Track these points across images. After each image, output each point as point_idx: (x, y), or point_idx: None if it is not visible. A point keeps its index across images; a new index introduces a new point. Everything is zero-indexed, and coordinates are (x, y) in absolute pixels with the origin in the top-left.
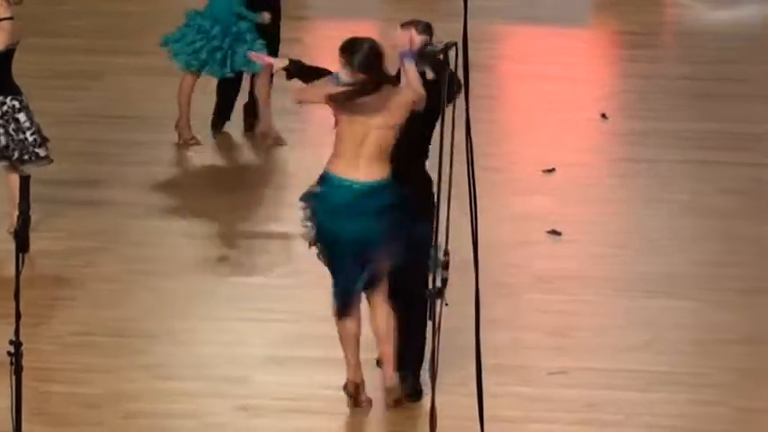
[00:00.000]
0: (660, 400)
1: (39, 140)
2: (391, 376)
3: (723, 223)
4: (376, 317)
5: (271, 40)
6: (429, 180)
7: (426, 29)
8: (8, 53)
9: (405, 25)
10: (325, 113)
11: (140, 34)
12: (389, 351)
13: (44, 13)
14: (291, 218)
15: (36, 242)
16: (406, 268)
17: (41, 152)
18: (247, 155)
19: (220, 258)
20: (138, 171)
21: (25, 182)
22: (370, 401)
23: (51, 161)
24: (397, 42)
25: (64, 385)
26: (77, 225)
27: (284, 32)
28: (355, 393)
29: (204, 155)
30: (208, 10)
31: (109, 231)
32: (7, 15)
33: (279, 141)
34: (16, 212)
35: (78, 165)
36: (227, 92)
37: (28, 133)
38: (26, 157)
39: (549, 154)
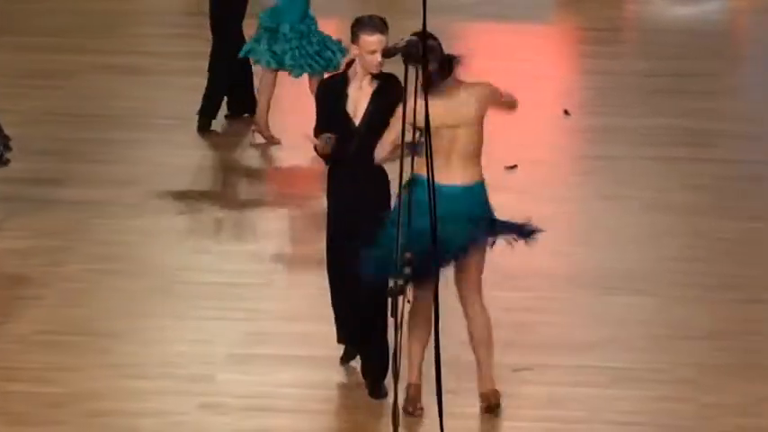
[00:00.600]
0: (624, 396)
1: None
2: (489, 380)
3: (685, 219)
4: (475, 321)
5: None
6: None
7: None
8: None
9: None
10: None
11: (108, 33)
12: (486, 356)
13: (12, 11)
14: (257, 216)
15: (1, 241)
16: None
17: (9, 155)
18: (213, 153)
19: (185, 257)
20: (104, 170)
21: None
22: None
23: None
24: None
25: (28, 384)
26: (43, 224)
27: (248, 31)
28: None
29: (171, 153)
30: (276, 9)
31: (74, 230)
32: None
33: (272, 141)
34: None
35: (45, 163)
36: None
37: None
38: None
39: (512, 151)
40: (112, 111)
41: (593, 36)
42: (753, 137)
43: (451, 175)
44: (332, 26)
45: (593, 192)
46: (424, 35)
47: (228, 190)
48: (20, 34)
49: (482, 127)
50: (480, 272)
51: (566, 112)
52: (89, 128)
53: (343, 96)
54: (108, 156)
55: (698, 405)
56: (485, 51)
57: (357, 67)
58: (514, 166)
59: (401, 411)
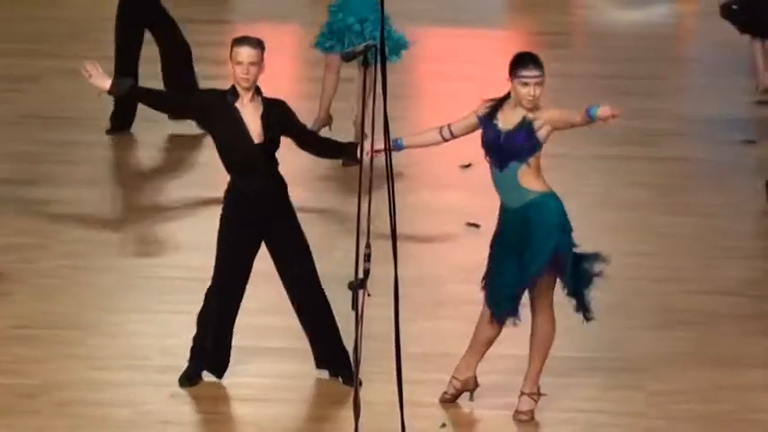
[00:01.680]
0: (578, 384)
1: None
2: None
3: (635, 215)
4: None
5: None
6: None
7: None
8: None
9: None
10: None
11: (71, 39)
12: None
13: None
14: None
15: None
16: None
17: None
18: (177, 152)
19: (151, 254)
20: (72, 170)
21: None
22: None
23: None
24: None
25: (1, 376)
26: (15, 222)
27: (209, 36)
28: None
29: (135, 152)
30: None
31: (44, 228)
32: None
33: None
34: None
35: (15, 164)
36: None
37: None
38: None
39: (466, 150)
40: (78, 113)
41: (545, 40)
42: (697, 136)
43: None
44: (288, 32)
45: None
46: (381, 38)
47: (194, 187)
48: None
49: None
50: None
51: None
52: (56, 130)
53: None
54: (76, 156)
55: (647, 393)
56: (439, 56)
57: None
58: (469, 165)
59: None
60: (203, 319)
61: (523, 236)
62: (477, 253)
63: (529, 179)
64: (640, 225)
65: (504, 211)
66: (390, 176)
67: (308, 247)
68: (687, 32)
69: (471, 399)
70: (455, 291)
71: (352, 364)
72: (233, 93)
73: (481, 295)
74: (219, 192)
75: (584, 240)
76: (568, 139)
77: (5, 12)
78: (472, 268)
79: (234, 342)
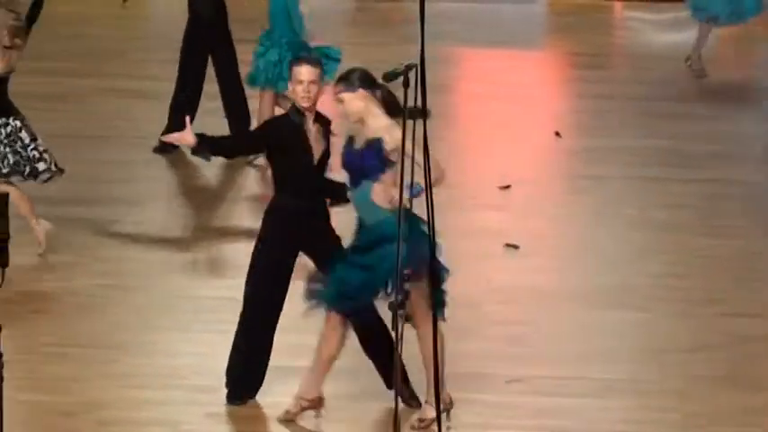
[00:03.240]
0: (615, 406)
1: (38, 156)
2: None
3: (671, 237)
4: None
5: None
6: None
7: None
8: (4, 78)
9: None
10: None
11: (110, 57)
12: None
13: None
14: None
15: (15, 257)
16: None
17: (40, 166)
18: (219, 172)
19: (189, 272)
20: (109, 189)
21: (3, 200)
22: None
23: (58, 172)
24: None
25: (40, 394)
26: (53, 241)
27: (250, 56)
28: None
29: (174, 171)
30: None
31: (82, 247)
32: (7, 44)
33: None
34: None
35: (54, 183)
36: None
37: (29, 149)
38: (31, 170)
39: (506, 171)
40: (115, 132)
41: (583, 61)
42: (737, 158)
43: None
44: None
45: (582, 210)
46: (422, 60)
47: (233, 206)
48: (29, 59)
49: None
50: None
51: (557, 134)
52: (93, 149)
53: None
54: (114, 176)
55: (684, 415)
56: (478, 76)
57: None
58: (508, 186)
59: None
60: (242, 338)
61: (374, 251)
62: (515, 274)
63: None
64: (676, 247)
65: (360, 227)
66: (430, 197)
67: None
68: (726, 55)
69: (318, 415)
70: (493, 311)
71: (394, 384)
72: (297, 113)
73: (513, 316)
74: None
75: (619, 262)
76: (605, 160)
77: (44, 30)
78: (510, 289)
79: (270, 362)
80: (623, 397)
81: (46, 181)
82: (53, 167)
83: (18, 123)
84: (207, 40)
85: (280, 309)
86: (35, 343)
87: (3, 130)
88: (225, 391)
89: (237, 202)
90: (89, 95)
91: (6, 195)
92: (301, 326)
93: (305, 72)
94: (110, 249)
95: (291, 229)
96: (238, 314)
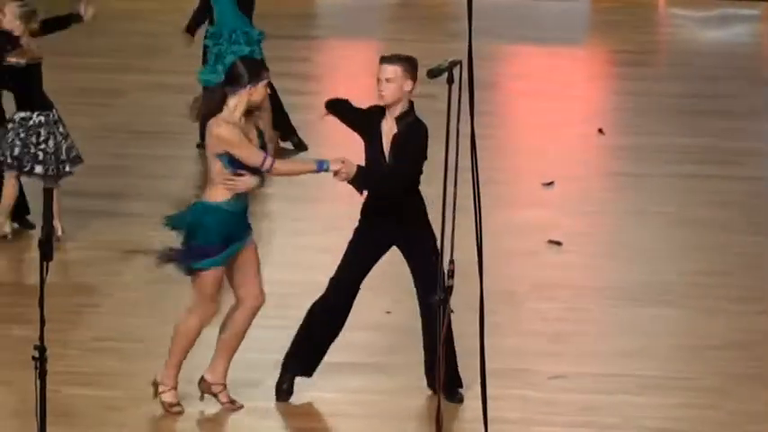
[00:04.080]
0: (655, 403)
1: (41, 157)
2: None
3: (711, 234)
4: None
5: None
6: None
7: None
8: (30, 70)
9: (386, 59)
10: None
11: (155, 53)
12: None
13: (68, 33)
14: (304, 229)
15: (62, 252)
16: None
17: (38, 169)
18: None
19: None
20: (157, 183)
21: (48, 194)
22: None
23: (52, 181)
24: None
25: (87, 388)
26: (101, 235)
27: (293, 51)
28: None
29: None
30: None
31: (130, 241)
32: (20, 33)
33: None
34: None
35: (101, 178)
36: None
37: (38, 148)
38: (61, 167)
39: (549, 168)
40: (162, 127)
41: (626, 58)
42: None
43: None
44: (371, 48)
45: (624, 207)
46: (470, 57)
47: (274, 203)
48: (69, 55)
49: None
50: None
51: (600, 131)
52: (141, 144)
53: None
54: (161, 170)
55: (724, 412)
56: (522, 73)
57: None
58: (551, 183)
59: None
60: (310, 326)
61: None
62: (558, 270)
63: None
64: (717, 244)
65: None
66: (476, 193)
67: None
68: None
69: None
70: (536, 308)
71: (436, 381)
72: (380, 110)
73: (556, 313)
74: (301, 208)
75: (660, 259)
76: (647, 158)
77: (90, 26)
78: (553, 285)
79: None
80: (663, 394)
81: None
82: (49, 175)
83: (42, 119)
84: None
85: (351, 301)
86: (82, 337)
87: (23, 124)
88: (268, 384)
89: (280, 198)
90: (136, 91)
91: (51, 190)
92: (349, 322)
93: (381, 69)
94: (156, 244)
95: (367, 224)
96: (288, 309)
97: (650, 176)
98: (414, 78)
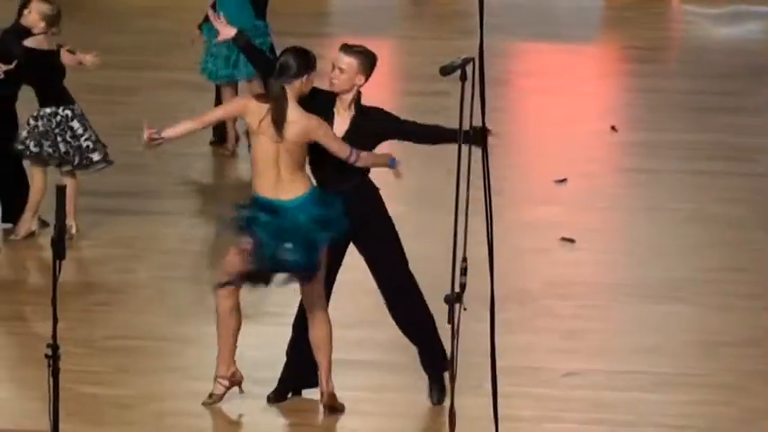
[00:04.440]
0: (669, 400)
1: (92, 146)
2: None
3: (725, 231)
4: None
5: None
6: None
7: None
8: (54, 64)
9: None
10: None
11: (170, 50)
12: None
13: (81, 30)
14: None
15: (74, 250)
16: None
17: (95, 156)
18: None
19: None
20: (171, 181)
21: (61, 192)
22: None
23: (109, 163)
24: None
25: (98, 387)
26: (112, 233)
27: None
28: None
29: (234, 164)
30: None
31: (143, 239)
32: (42, 32)
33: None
34: (69, 221)
35: (114, 176)
36: None
37: (82, 139)
38: (84, 162)
39: (561, 165)
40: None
41: (638, 55)
42: None
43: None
44: (385, 46)
45: (636, 204)
46: (480, 54)
47: None
48: (98, 52)
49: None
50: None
51: (613, 128)
52: None
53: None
54: (174, 168)
55: (739, 409)
56: (534, 70)
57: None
58: (564, 180)
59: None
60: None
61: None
62: (570, 268)
63: None
64: (729, 241)
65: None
66: (488, 190)
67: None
68: None
69: (241, 391)
70: (548, 305)
71: (447, 379)
72: (333, 98)
73: (569, 310)
74: None
75: (673, 256)
76: (660, 154)
77: (107, 23)
78: (565, 283)
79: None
80: (677, 391)
81: (97, 170)
82: (106, 158)
83: (69, 113)
84: None
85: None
86: (95, 335)
87: (53, 120)
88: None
89: None
90: (152, 88)
91: (64, 188)
92: (365, 320)
93: (337, 58)
94: (169, 242)
95: None
96: (296, 307)
97: (662, 173)
98: (367, 75)
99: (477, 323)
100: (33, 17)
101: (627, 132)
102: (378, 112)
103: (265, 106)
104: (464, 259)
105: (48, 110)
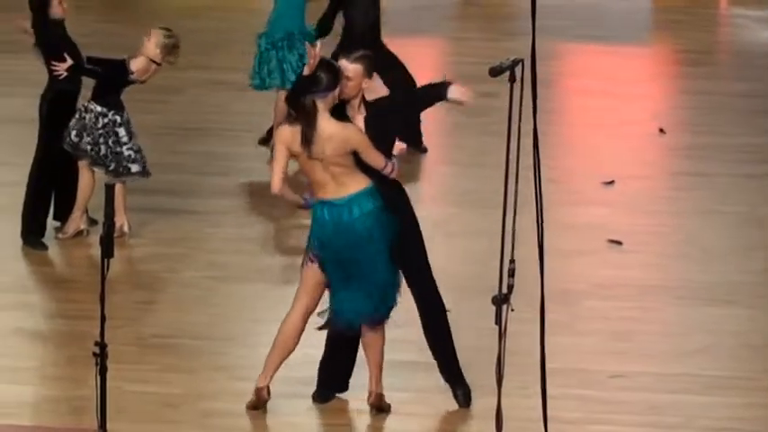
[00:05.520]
0: (718, 403)
1: (132, 156)
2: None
3: None
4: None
5: None
6: None
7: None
8: (132, 82)
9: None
10: None
11: (212, 50)
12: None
13: (126, 31)
14: None
15: (123, 248)
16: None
17: (133, 168)
18: None
19: (293, 264)
20: (215, 181)
21: (110, 190)
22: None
23: (147, 175)
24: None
25: (145, 385)
26: (159, 232)
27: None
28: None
29: None
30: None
31: (189, 239)
32: (158, 61)
33: None
34: (121, 219)
35: (160, 175)
36: None
37: (124, 148)
38: (120, 169)
39: (609, 166)
40: (221, 125)
41: (688, 57)
42: None
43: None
44: (434, 46)
45: (687, 207)
46: (533, 56)
47: None
48: (129, 52)
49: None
50: None
51: (661, 130)
52: (199, 141)
53: None
54: (220, 167)
55: None
56: (583, 71)
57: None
58: (612, 182)
59: None
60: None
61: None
62: (618, 269)
63: None
64: None
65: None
66: (539, 192)
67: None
68: None
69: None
70: (595, 307)
71: (496, 379)
72: (341, 107)
73: (618, 312)
74: None
75: (722, 258)
76: (709, 157)
77: (151, 23)
78: (613, 285)
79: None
80: (725, 394)
81: (132, 180)
82: (144, 170)
83: (118, 119)
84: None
85: None
86: (142, 334)
87: (100, 120)
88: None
89: None
90: (194, 88)
91: (113, 186)
92: (409, 320)
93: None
94: (215, 241)
95: None
96: None
97: (712, 176)
98: (371, 76)
99: (522, 324)
100: (151, 45)
101: (676, 135)
102: (380, 102)
103: (297, 129)
104: (512, 260)
105: (99, 108)
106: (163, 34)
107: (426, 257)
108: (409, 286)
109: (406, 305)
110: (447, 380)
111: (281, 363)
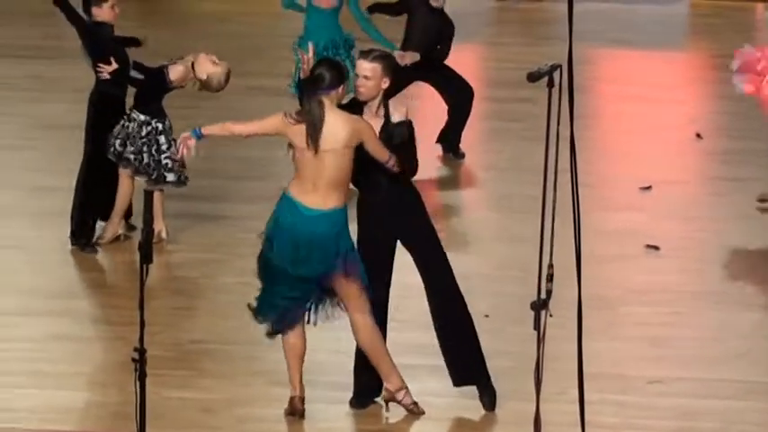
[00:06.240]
0: (756, 409)
1: (170, 164)
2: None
3: None
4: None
5: None
6: None
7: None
8: (171, 89)
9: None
10: None
11: (245, 56)
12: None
13: (163, 36)
14: None
15: (162, 254)
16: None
17: (170, 177)
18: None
19: None
20: (250, 186)
21: (148, 197)
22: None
23: (183, 184)
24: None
25: (183, 390)
26: (195, 238)
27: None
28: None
29: None
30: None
31: (225, 244)
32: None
33: None
34: (159, 225)
35: (196, 180)
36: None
37: (163, 156)
38: (159, 177)
39: (646, 172)
40: None
41: (724, 62)
42: None
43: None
44: (472, 51)
45: (724, 212)
46: (570, 61)
47: None
48: (164, 56)
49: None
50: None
51: (698, 135)
52: (235, 147)
53: None
54: (256, 173)
55: None
56: (620, 76)
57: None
58: (649, 187)
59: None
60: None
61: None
62: (654, 275)
63: None
64: None
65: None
66: (576, 198)
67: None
68: None
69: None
70: (632, 312)
71: (534, 384)
72: (358, 104)
73: (654, 318)
74: None
75: (760, 263)
76: (746, 162)
77: (183, 29)
78: (650, 290)
79: (405, 361)
80: (763, 399)
81: (168, 188)
82: (180, 179)
83: (159, 126)
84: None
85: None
86: (180, 340)
87: (144, 128)
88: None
89: None
90: (229, 93)
91: (152, 193)
92: (423, 323)
93: (359, 66)
94: (251, 246)
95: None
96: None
97: (749, 181)
98: (391, 77)
99: (559, 329)
100: (201, 70)
101: (713, 140)
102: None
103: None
104: (550, 266)
105: (142, 116)
106: (227, 66)
107: (447, 261)
108: (430, 293)
109: (416, 310)
110: (465, 383)
111: (299, 367)
